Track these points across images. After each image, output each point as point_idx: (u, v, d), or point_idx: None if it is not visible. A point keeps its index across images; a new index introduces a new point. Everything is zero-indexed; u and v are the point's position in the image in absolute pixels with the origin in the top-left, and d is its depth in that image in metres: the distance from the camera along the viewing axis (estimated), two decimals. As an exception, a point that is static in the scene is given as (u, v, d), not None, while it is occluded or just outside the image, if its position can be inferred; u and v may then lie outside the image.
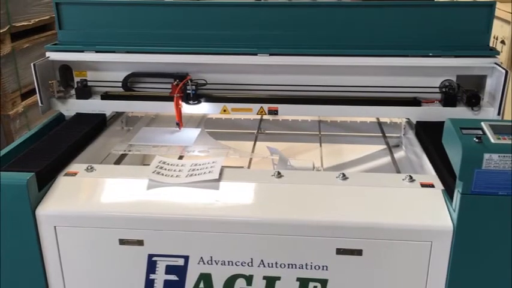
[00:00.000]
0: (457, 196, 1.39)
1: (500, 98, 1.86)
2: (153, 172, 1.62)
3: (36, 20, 3.68)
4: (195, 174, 1.61)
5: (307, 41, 1.98)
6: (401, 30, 1.95)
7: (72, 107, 2.07)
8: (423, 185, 1.55)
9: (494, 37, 3.41)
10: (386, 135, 2.27)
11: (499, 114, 1.89)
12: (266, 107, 2.02)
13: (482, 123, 1.40)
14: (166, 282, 1.56)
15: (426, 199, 1.50)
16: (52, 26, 3.76)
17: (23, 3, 3.52)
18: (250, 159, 1.96)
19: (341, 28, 1.97)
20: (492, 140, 1.33)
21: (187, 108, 2.02)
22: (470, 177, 1.34)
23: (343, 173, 1.59)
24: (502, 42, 3.36)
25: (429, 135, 1.80)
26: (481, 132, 1.37)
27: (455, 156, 1.38)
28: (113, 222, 1.51)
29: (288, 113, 2.19)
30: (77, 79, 2.11)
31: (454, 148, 1.38)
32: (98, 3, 2.05)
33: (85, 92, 2.08)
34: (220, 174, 1.60)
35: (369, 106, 1.99)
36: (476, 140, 1.33)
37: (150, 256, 1.53)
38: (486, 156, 1.31)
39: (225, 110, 2.04)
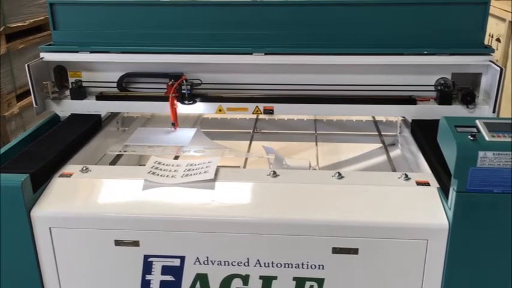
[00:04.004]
0: (452, 194, 1.39)
1: (495, 95, 1.86)
2: (149, 172, 1.62)
3: (31, 20, 3.67)
4: (191, 174, 1.61)
5: (302, 40, 1.98)
6: (396, 28, 1.95)
7: (67, 107, 2.07)
8: (419, 184, 1.55)
9: (489, 35, 3.42)
10: (382, 133, 2.27)
11: (494, 111, 1.89)
12: (262, 106, 2.02)
13: (477, 121, 1.40)
14: (162, 282, 1.55)
15: (422, 197, 1.50)
16: (47, 26, 3.73)
17: (18, 4, 3.51)
18: (246, 158, 1.96)
19: (336, 27, 1.97)
20: (487, 138, 1.34)
21: (182, 108, 2.01)
22: (465, 175, 1.34)
23: (338, 172, 1.59)
24: (498, 40, 3.37)
25: (425, 133, 1.80)
26: (475, 130, 1.37)
27: (450, 155, 1.38)
28: (108, 223, 1.51)
29: (284, 112, 2.19)
30: (71, 80, 2.11)
31: (449, 146, 1.38)
32: (92, 3, 2.05)
33: (80, 92, 2.07)
34: (216, 174, 1.60)
35: (365, 105, 1.99)
36: (471, 138, 1.33)
37: (146, 257, 1.53)
38: (481, 154, 1.31)
39: (220, 110, 2.04)
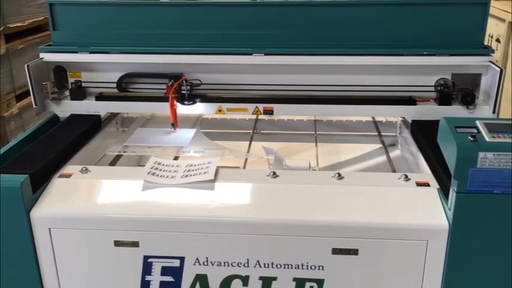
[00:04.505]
0: (452, 195, 1.39)
1: (495, 96, 1.86)
2: (148, 173, 1.62)
3: (31, 21, 3.66)
4: (191, 175, 1.61)
5: (302, 40, 1.98)
6: (396, 29, 1.95)
7: (67, 108, 2.06)
8: (419, 184, 1.55)
9: (489, 35, 3.42)
10: (382, 134, 2.27)
11: (494, 112, 1.89)
12: (261, 106, 2.02)
13: (477, 122, 1.40)
14: (162, 283, 1.55)
15: (422, 198, 1.50)
16: (47, 27, 3.74)
17: (17, 4, 3.51)
18: (246, 159, 1.96)
19: (336, 27, 1.97)
20: (487, 139, 1.33)
21: (182, 109, 2.01)
22: (465, 176, 1.34)
23: (338, 173, 1.59)
24: (497, 40, 3.37)
25: (424, 134, 1.80)
26: (475, 131, 1.36)
27: (450, 155, 1.38)
28: (108, 223, 1.51)
29: (284, 112, 2.19)
30: (71, 80, 2.10)
31: (449, 147, 1.38)
32: (91, 3, 2.04)
33: (79, 93, 2.07)
34: (216, 174, 1.60)
35: (364, 105, 1.99)
36: (471, 139, 1.33)
37: (146, 257, 1.53)
38: (481, 154, 1.31)
39: (220, 110, 2.03)
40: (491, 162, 1.32)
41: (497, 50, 3.36)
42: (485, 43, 1.98)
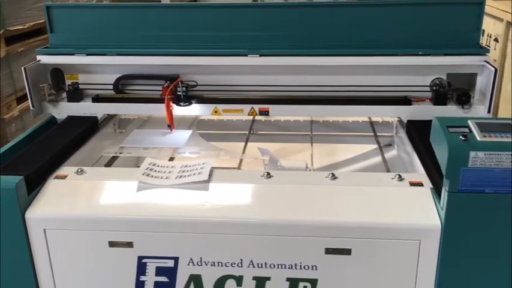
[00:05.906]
0: (444, 194, 1.39)
1: (490, 96, 1.86)
2: (143, 174, 1.62)
3: (31, 24, 3.69)
4: (185, 176, 1.61)
5: (297, 41, 1.99)
6: (391, 29, 1.95)
7: (64, 110, 2.08)
8: (412, 184, 1.55)
9: (487, 35, 3.41)
10: (379, 134, 2.27)
11: (489, 112, 1.89)
12: (257, 107, 2.02)
13: (469, 122, 1.40)
14: (156, 283, 1.56)
15: (415, 198, 1.50)
16: (46, 29, 3.76)
17: (17, 7, 3.53)
18: (241, 160, 1.96)
19: (331, 28, 1.97)
20: (478, 138, 1.33)
21: (178, 110, 2.02)
22: (457, 175, 1.34)
23: (332, 173, 1.59)
24: (495, 40, 3.36)
25: (419, 133, 1.80)
26: (467, 131, 1.37)
27: (442, 155, 1.38)
28: (103, 224, 1.52)
29: (279, 113, 2.19)
30: (68, 82, 2.11)
31: (441, 146, 1.38)
32: (88, 6, 2.06)
33: (76, 95, 2.08)
34: (210, 175, 1.60)
35: (360, 105, 1.99)
36: (462, 138, 1.33)
37: (140, 258, 1.54)
38: (472, 154, 1.31)
39: (216, 111, 2.04)
40: (482, 162, 1.32)
41: (495, 49, 3.35)
42: (484, 43, 1.98)
